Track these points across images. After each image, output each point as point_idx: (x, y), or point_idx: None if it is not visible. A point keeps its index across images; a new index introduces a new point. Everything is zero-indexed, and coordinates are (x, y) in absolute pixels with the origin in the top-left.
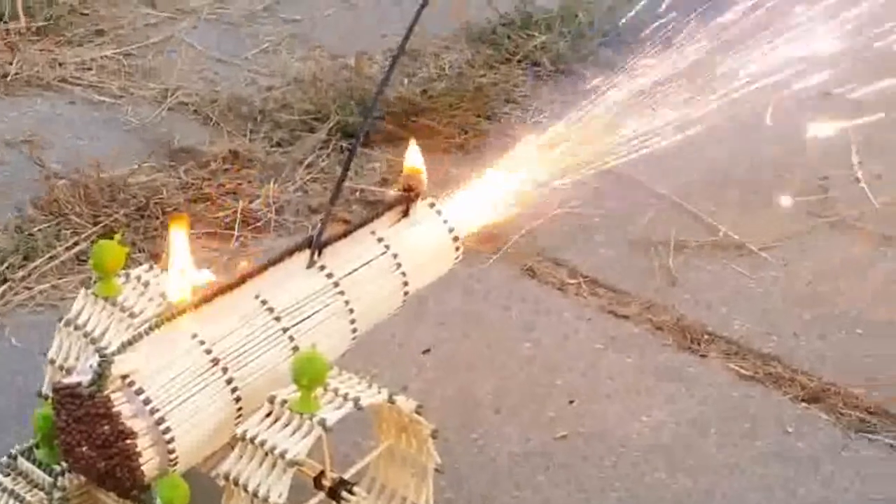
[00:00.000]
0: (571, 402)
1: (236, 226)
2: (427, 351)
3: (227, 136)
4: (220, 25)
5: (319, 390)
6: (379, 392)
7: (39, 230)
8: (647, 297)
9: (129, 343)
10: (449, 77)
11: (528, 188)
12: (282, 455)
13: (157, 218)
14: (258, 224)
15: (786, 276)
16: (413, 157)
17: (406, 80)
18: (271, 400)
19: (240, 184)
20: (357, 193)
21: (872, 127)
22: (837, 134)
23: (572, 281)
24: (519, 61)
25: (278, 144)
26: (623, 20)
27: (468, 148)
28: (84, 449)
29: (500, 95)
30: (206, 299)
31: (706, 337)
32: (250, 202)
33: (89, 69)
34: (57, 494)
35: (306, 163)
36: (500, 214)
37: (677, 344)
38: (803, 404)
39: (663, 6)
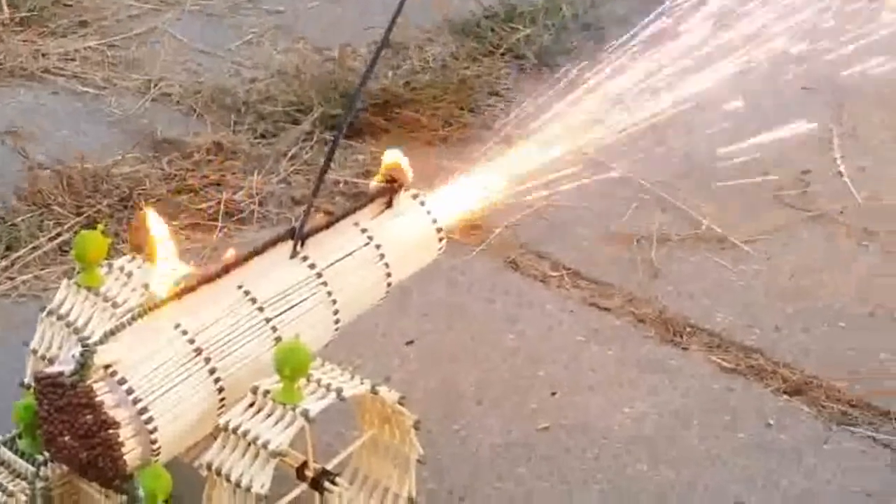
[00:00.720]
0: (554, 393)
1: (219, 217)
2: (410, 342)
3: (210, 128)
4: (203, 17)
5: (302, 381)
6: (362, 383)
7: (22, 220)
8: (629, 289)
9: (112, 333)
10: (433, 69)
11: (510, 181)
12: (264, 445)
13: (140, 209)
14: (241, 215)
15: (768, 270)
16: (393, 154)
17: (390, 73)
18: (254, 390)
19: (223, 175)
20: (340, 185)
21: (855, 120)
22: (819, 127)
23: (555, 273)
24: (502, 54)
25: (262, 136)
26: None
27: (451, 140)
28: (66, 439)
29: (484, 88)
30: (190, 289)
31: (688, 329)
32: (233, 193)
33: (73, 60)
34: (39, 484)
35: (289, 154)
36: (483, 206)
37: (659, 336)
38: (785, 397)
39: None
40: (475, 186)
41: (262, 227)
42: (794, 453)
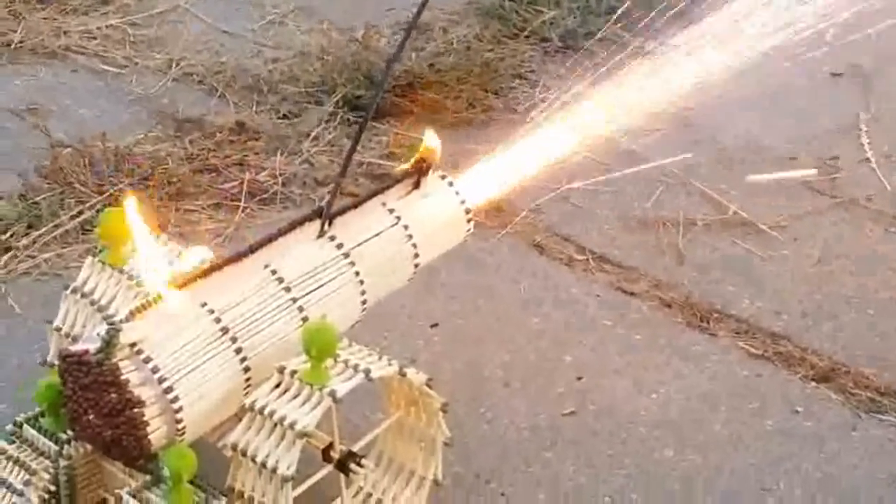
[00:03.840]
0: (580, 378)
1: (242, 197)
2: (435, 325)
3: (232, 108)
4: None
5: (329, 361)
6: (390, 364)
7: (44, 199)
8: (655, 274)
9: (138, 311)
10: (457, 51)
11: (535, 164)
12: (291, 426)
13: (164, 188)
14: (264, 196)
15: (795, 256)
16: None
17: (414, 54)
18: (281, 370)
19: (245, 155)
20: (363, 166)
21: (882, 106)
22: (848, 113)
23: (580, 257)
24: (527, 36)
25: (284, 116)
26: None
27: (475, 122)
28: (91, 417)
29: (508, 70)
30: (217, 268)
31: (715, 315)
32: (256, 174)
33: (94, 38)
34: (63, 463)
35: (312, 135)
36: (508, 189)
37: (686, 322)
38: (813, 384)
39: None
40: (500, 169)
41: (284, 208)
42: (821, 440)
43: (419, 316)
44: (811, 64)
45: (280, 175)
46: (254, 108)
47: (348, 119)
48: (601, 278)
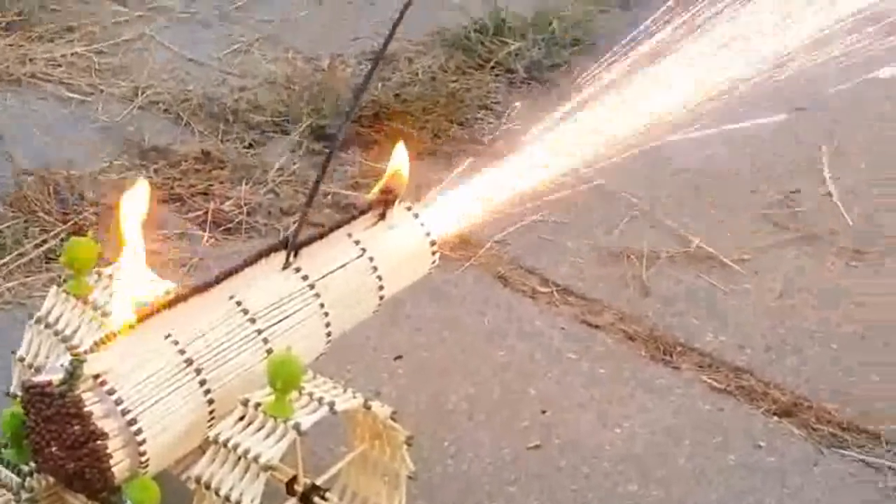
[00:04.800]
0: (544, 411)
1: (207, 227)
2: (399, 357)
3: (198, 136)
4: (192, 24)
5: (294, 394)
6: (354, 397)
7: (8, 227)
8: (619, 307)
9: (102, 342)
10: (422, 82)
11: (499, 195)
12: (255, 459)
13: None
14: (229, 225)
15: (758, 290)
16: (399, 158)
17: (380, 84)
18: (245, 402)
19: (210, 184)
20: (329, 197)
21: (844, 140)
22: (809, 147)
23: (544, 289)
24: (492, 68)
25: (250, 146)
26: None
27: (440, 153)
28: (54, 449)
29: (474, 101)
30: (181, 299)
31: (679, 348)
32: (221, 203)
33: (59, 66)
34: (25, 495)
35: (278, 165)
36: (472, 221)
37: (650, 355)
38: (775, 418)
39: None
40: (464, 200)
41: (249, 238)
42: (783, 474)
43: (384, 348)
44: (775, 97)
45: (245, 205)
46: (219, 137)
47: (313, 149)
48: (565, 311)
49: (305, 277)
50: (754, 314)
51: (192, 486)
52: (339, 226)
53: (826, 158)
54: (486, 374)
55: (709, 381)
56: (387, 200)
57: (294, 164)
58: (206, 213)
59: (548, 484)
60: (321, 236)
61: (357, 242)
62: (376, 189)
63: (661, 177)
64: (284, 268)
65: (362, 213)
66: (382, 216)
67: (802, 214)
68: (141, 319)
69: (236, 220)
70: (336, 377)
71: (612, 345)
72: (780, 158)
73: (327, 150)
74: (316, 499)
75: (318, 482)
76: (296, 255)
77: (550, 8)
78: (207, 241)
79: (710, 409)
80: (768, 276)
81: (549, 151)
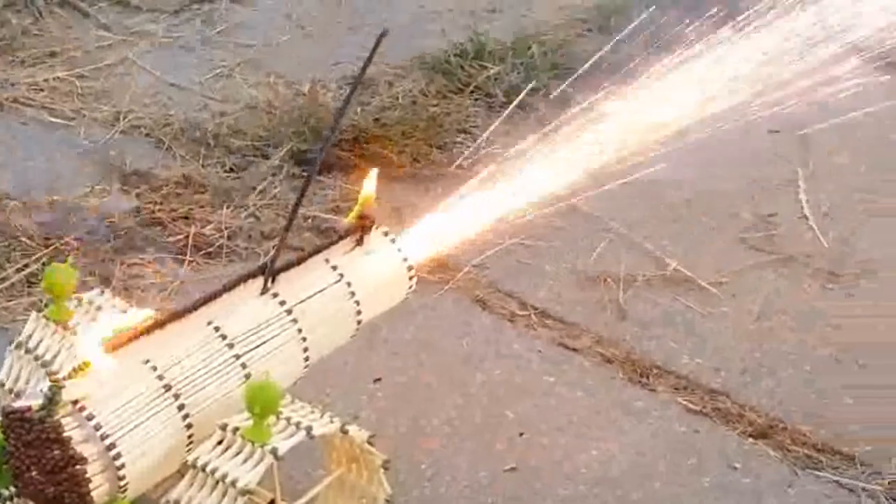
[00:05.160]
0: (522, 434)
1: (188, 251)
2: (378, 380)
3: (179, 161)
4: (174, 49)
5: (272, 418)
6: (331, 421)
7: None
8: (597, 330)
9: (81, 368)
10: (402, 106)
11: (478, 219)
12: (233, 483)
13: (109, 241)
14: (210, 250)
15: (734, 312)
16: (369, 185)
17: (360, 109)
18: (223, 427)
19: (191, 209)
20: (309, 220)
21: (820, 163)
22: (786, 170)
23: (523, 313)
24: (472, 92)
25: (231, 170)
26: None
27: (420, 177)
28: (34, 474)
29: (453, 126)
30: (160, 325)
31: (655, 371)
32: (202, 227)
33: (42, 90)
34: None
35: (258, 189)
36: (451, 245)
37: (627, 378)
38: (751, 440)
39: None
40: (443, 225)
41: (230, 262)
42: (758, 496)
43: (362, 372)
44: (750, 121)
45: (226, 229)
46: (200, 162)
47: (294, 173)
48: (543, 334)
49: (283, 303)
50: (731, 337)
51: None
52: (316, 251)
53: (802, 182)
54: (464, 397)
55: (685, 402)
56: (363, 226)
57: (275, 188)
58: (187, 237)
59: None
60: (299, 262)
61: (335, 268)
62: (352, 215)
63: (639, 200)
64: (262, 293)
65: (340, 238)
66: (360, 242)
67: (779, 237)
68: (111, 350)
69: (217, 244)
70: (314, 401)
71: (590, 367)
72: (758, 182)
73: (306, 174)
74: None
75: None
76: (273, 281)
77: (530, 33)
78: (188, 265)
79: (685, 431)
80: (745, 299)
81: (525, 175)
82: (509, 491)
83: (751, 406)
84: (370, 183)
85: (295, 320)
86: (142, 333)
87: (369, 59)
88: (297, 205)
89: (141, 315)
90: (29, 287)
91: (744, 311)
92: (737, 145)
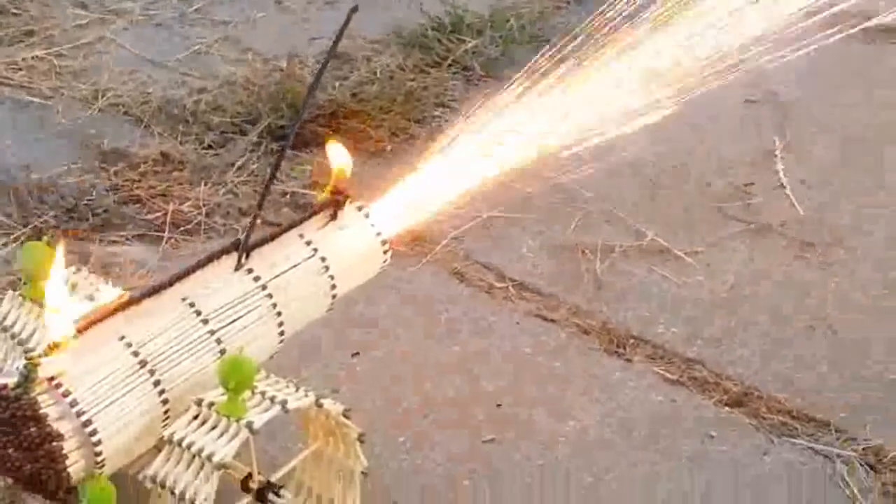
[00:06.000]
0: (499, 405)
1: (166, 228)
2: (356, 354)
3: (157, 138)
4: (151, 27)
5: (247, 393)
6: (306, 395)
7: None
8: (574, 301)
9: (57, 345)
10: (380, 80)
11: (456, 192)
12: (209, 458)
13: (87, 220)
14: (188, 227)
15: (710, 281)
16: (342, 159)
17: (337, 83)
18: (198, 402)
19: (170, 186)
20: (287, 196)
21: (797, 132)
22: (762, 139)
23: (500, 285)
24: (450, 65)
25: (209, 147)
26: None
27: (398, 151)
28: (10, 451)
29: (431, 99)
30: (135, 301)
31: (632, 341)
32: (180, 204)
33: (20, 69)
34: None
35: (237, 165)
36: (429, 218)
37: (603, 348)
38: (727, 408)
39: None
40: (421, 198)
41: (209, 238)
42: (735, 464)
43: (339, 346)
44: (726, 90)
45: (204, 205)
46: (179, 139)
47: (272, 149)
48: (521, 306)
49: (258, 278)
50: (707, 306)
51: (148, 485)
52: (290, 226)
53: (779, 151)
54: (441, 370)
55: (661, 372)
56: (337, 201)
57: (253, 164)
58: (166, 214)
59: (502, 477)
60: (273, 237)
61: (309, 243)
62: (327, 189)
63: (615, 171)
64: (237, 269)
65: (314, 213)
66: (334, 216)
67: (755, 207)
68: (95, 322)
69: (195, 220)
70: (291, 376)
71: (566, 339)
72: (735, 151)
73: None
74: (271, 495)
75: (273, 479)
76: (247, 257)
77: (507, 5)
78: (167, 242)
79: (662, 401)
80: (720, 269)
81: (503, 148)
82: (487, 462)
83: (726, 375)
84: (342, 156)
85: (270, 295)
86: (116, 310)
87: (340, 34)
88: (270, 180)
89: (114, 293)
90: (7, 266)
91: (719, 280)
92: (714, 115)
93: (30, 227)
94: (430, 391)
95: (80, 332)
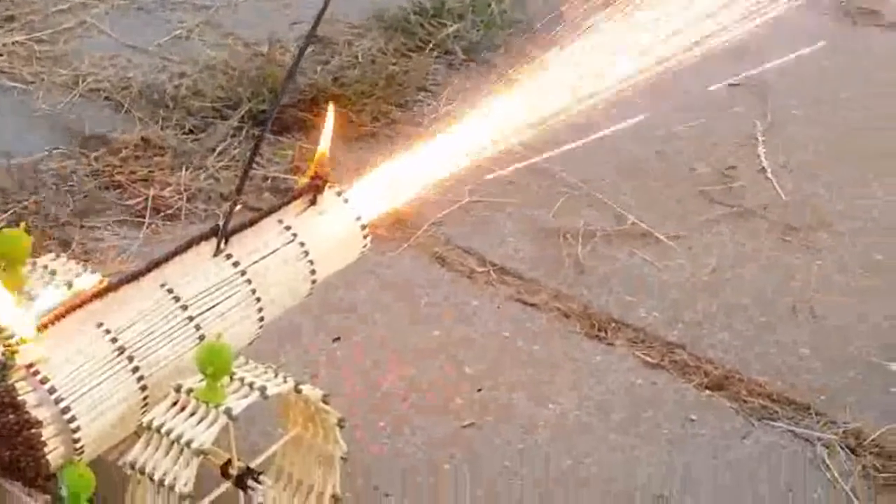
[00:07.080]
0: (479, 390)
1: (147, 213)
2: (337, 339)
3: (138, 123)
4: (131, 11)
5: (226, 379)
6: (285, 381)
7: None
8: (555, 285)
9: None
10: (362, 65)
11: (437, 177)
12: (188, 444)
13: (68, 206)
14: (169, 212)
15: (691, 265)
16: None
17: (319, 68)
18: (177, 389)
19: (151, 171)
20: (268, 181)
21: (779, 117)
22: (745, 123)
23: (481, 269)
24: (431, 49)
25: (190, 132)
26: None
27: (380, 136)
28: None
29: (413, 84)
30: (113, 288)
31: (613, 325)
32: (161, 190)
33: (0, 55)
34: None
35: (218, 150)
36: (410, 202)
37: (584, 332)
38: (707, 392)
39: None
40: (402, 182)
41: (190, 224)
42: (715, 447)
43: (319, 332)
44: (709, 74)
45: (185, 191)
46: (159, 124)
47: (253, 133)
48: (502, 290)
49: (237, 264)
50: (688, 289)
51: (128, 471)
52: (270, 212)
53: (761, 135)
54: (422, 354)
55: (642, 356)
56: (317, 186)
57: (234, 149)
58: (147, 199)
59: (482, 461)
60: (252, 223)
61: (288, 228)
62: (307, 174)
63: (597, 155)
64: (216, 255)
65: (293, 198)
66: (313, 202)
67: (738, 191)
68: (73, 309)
69: (176, 206)
70: (271, 362)
71: (547, 323)
72: (718, 135)
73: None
74: (250, 481)
75: (253, 465)
76: (227, 243)
77: None
78: (148, 227)
79: (643, 384)
80: (702, 252)
81: (485, 132)
82: (467, 446)
83: (707, 358)
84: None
85: (249, 281)
86: (94, 297)
87: (319, 18)
88: (249, 165)
89: (93, 279)
90: None
91: (701, 263)
92: (696, 98)
93: (9, 212)
94: (410, 376)
95: (45, 327)
